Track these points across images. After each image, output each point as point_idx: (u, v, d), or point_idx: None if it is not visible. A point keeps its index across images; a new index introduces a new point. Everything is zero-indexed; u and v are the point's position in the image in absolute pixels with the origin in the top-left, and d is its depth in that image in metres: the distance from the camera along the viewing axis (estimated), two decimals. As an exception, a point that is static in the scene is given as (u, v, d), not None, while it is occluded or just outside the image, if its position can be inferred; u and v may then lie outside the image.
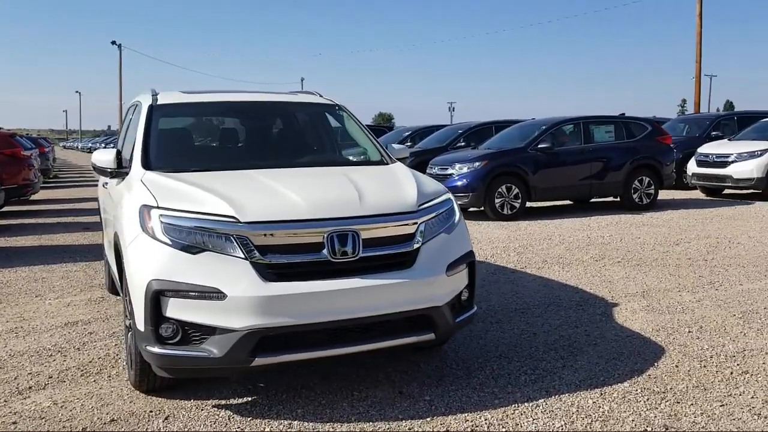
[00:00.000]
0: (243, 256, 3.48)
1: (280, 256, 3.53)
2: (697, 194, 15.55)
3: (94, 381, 4.29)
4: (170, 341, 3.52)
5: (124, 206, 4.14)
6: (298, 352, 3.52)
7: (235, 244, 3.50)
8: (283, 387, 4.04)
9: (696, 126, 17.73)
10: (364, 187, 3.97)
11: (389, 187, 4.12)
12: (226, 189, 3.82)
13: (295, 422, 3.58)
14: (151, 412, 3.77)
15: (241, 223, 3.53)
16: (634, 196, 12.60)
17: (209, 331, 3.46)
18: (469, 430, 3.46)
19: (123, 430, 3.57)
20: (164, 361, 3.54)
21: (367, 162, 4.95)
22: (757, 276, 6.86)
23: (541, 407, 3.71)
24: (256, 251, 3.49)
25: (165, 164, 4.40)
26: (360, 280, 3.58)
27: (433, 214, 3.95)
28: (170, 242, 3.54)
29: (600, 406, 3.70)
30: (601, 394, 3.88)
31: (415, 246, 3.79)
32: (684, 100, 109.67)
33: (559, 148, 12.21)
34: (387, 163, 4.88)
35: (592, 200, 13.68)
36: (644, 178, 12.62)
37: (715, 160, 14.53)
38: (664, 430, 3.42)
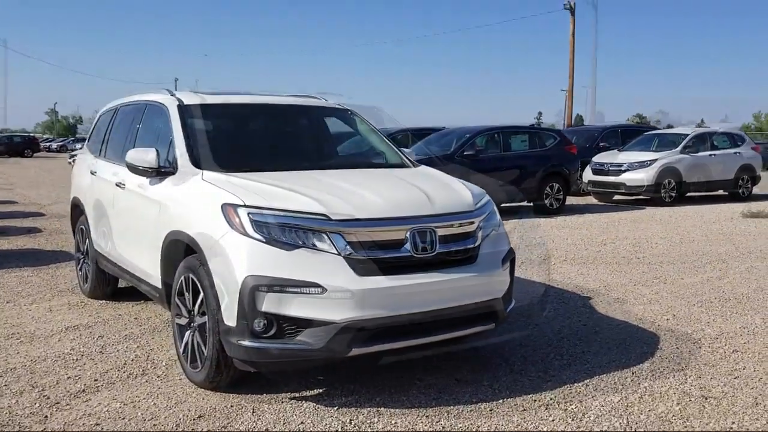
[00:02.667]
0: (336, 251, 3.67)
1: (369, 252, 3.75)
2: (590, 200, 16.94)
3: (146, 382, 4.27)
4: (264, 335, 3.64)
5: (187, 205, 4.17)
6: (389, 341, 3.76)
7: (327, 240, 3.68)
8: (349, 378, 4.23)
9: (585, 137, 19.26)
10: (424, 188, 4.27)
11: (443, 188, 4.44)
12: (304, 188, 3.98)
13: (380, 409, 3.81)
14: (232, 407, 3.85)
15: (332, 220, 3.72)
16: (546, 201, 13.58)
17: (305, 324, 3.62)
18: (543, 407, 3.85)
19: (215, 425, 3.64)
20: (257, 355, 3.65)
21: (392, 165, 5.22)
22: (692, 271, 7.78)
23: (591, 386, 4.17)
24: (348, 247, 3.69)
25: (215, 164, 4.46)
26: (439, 275, 3.87)
27: (486, 213, 4.32)
28: (263, 239, 3.67)
29: (639, 383, 4.22)
30: (633, 373, 4.40)
31: (477, 243, 4.13)
32: (540, 113, 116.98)
33: (482, 155, 12.94)
34: (411, 166, 5.19)
35: (503, 205, 14.55)
36: (554, 184, 13.64)
37: (610, 168, 15.94)
38: (703, 398, 3.98)
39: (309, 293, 3.59)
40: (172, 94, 5.20)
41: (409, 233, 3.85)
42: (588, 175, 16.35)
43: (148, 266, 4.78)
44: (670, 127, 19.13)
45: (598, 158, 16.46)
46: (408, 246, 3.83)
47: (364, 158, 5.49)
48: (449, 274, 3.91)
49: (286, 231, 3.69)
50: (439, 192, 4.30)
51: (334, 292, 3.58)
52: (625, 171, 15.63)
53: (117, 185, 5.32)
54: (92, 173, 6.11)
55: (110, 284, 6.34)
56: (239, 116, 5.31)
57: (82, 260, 6.57)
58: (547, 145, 13.88)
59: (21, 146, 51.25)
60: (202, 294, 3.95)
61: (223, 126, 5.16)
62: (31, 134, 70.39)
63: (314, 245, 3.68)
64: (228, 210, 3.80)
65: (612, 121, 23.73)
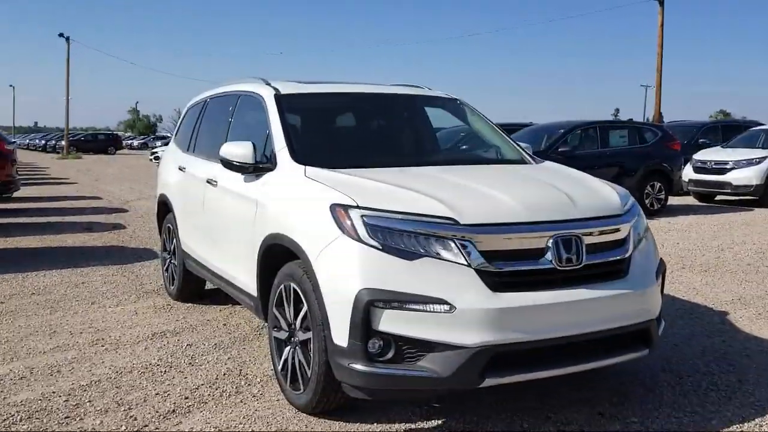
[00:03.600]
0: (466, 262, 3.10)
1: (505, 263, 3.16)
2: (689, 199, 15.77)
3: (241, 402, 3.81)
4: (380, 358, 3.10)
5: (288, 205, 3.69)
6: (528, 371, 3.15)
7: (456, 249, 3.11)
8: (471, 407, 3.66)
9: (682, 133, 18.02)
10: (561, 187, 3.65)
11: (583, 187, 3.80)
12: (423, 187, 3.43)
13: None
14: (342, 437, 3.34)
15: (461, 225, 3.15)
16: (646, 201, 12.62)
17: (429, 347, 3.06)
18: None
19: (323, 460, 3.13)
20: (372, 381, 3.12)
21: (510, 160, 4.60)
22: (836, 283, 6.84)
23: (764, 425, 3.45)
24: (481, 257, 3.11)
25: (319, 159, 3.96)
26: (586, 291, 3.25)
27: (636, 217, 3.66)
28: (380, 246, 3.13)
29: (826, 425, 3.48)
30: (812, 411, 3.65)
31: (628, 253, 3.48)
32: (617, 109, 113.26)
33: (578, 152, 12.12)
34: (532, 162, 4.57)
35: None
36: (656, 183, 12.67)
37: (713, 167, 14.75)
38: None
39: (434, 311, 3.03)
40: (268, 83, 4.75)
41: (551, 241, 3.23)
42: (689, 173, 15.21)
43: (241, 271, 4.33)
44: (759, 124, 17.68)
45: (700, 155, 15.30)
46: (549, 256, 3.22)
47: (479, 153, 4.90)
48: (598, 291, 3.27)
49: (406, 237, 3.14)
50: (580, 191, 3.66)
51: (464, 310, 3.01)
52: (730, 170, 14.41)
53: (208, 182, 4.90)
54: (180, 169, 5.74)
55: (197, 286, 5.97)
56: (341, 107, 4.81)
57: (168, 260, 6.23)
58: (647, 141, 12.91)
59: (104, 144, 53.05)
60: (305, 307, 3.45)
61: (324, 117, 4.66)
62: (114, 132, 72.85)
63: (439, 254, 3.11)
64: (338, 212, 3.28)
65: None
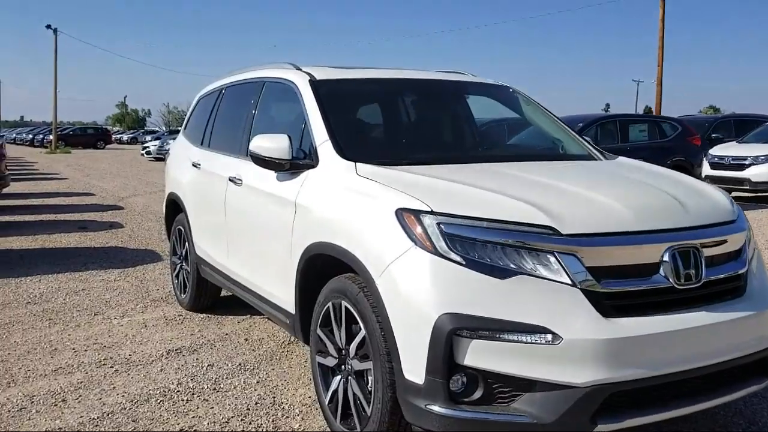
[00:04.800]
0: (569, 281, 2.54)
1: (615, 282, 2.61)
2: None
3: (282, 440, 3.25)
4: (464, 399, 2.55)
5: (338, 209, 3.12)
6: (645, 413, 2.59)
7: (557, 264, 2.56)
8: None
9: (694, 128, 17.56)
10: (666, 189, 3.10)
11: (688, 189, 3.24)
12: (508, 188, 2.87)
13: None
14: (410, 491, 2.78)
15: (563, 236, 2.59)
16: (667, 198, 12.13)
17: (526, 386, 2.51)
18: None
19: None
20: (453, 426, 2.55)
21: (577, 156, 4.05)
22: None
23: None
24: (588, 275, 2.56)
25: (370, 154, 3.40)
26: (707, 314, 2.70)
27: (747, 225, 3.13)
28: (463, 261, 2.57)
29: None
30: None
31: (746, 267, 2.94)
32: (608, 104, 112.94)
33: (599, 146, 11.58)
34: (602, 158, 4.02)
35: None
36: (676, 179, 12.16)
37: (731, 162, 14.27)
38: None
39: (534, 342, 2.47)
40: (298, 68, 4.17)
41: (666, 254, 2.68)
42: (705, 169, 14.72)
43: (274, 283, 3.77)
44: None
45: (717, 151, 14.79)
46: (664, 272, 2.67)
47: (541, 147, 4.34)
48: (719, 313, 2.73)
49: (494, 250, 2.58)
50: (686, 193, 3.11)
51: (572, 341, 2.46)
52: (749, 165, 13.92)
53: (231, 180, 4.32)
54: (195, 166, 5.15)
55: (213, 295, 5.40)
56: (385, 94, 4.23)
57: (178, 266, 5.65)
58: (668, 136, 12.41)
59: (94, 138, 52.11)
60: (363, 331, 2.89)
61: (367, 106, 4.10)
62: (103, 126, 71.81)
63: (536, 271, 2.55)
64: (407, 218, 2.71)
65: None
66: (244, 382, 3.96)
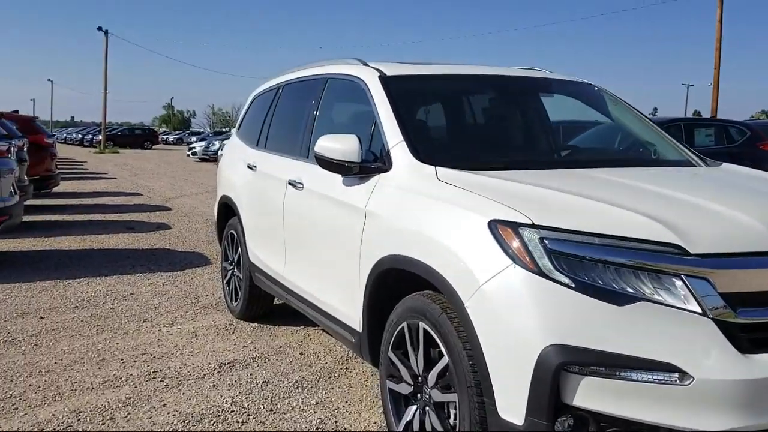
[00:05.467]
0: (700, 310, 2.16)
1: (755, 312, 2.21)
2: None
3: (348, 474, 2.92)
4: (573, 444, 2.18)
5: (417, 218, 2.79)
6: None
7: (684, 289, 2.17)
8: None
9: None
10: None
11: None
12: (618, 198, 2.50)
13: None
14: None
15: (693, 256, 2.21)
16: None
17: (646, 432, 2.14)
18: None
19: None
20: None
21: (674, 161, 3.65)
22: None
23: None
24: (722, 302, 2.17)
25: (449, 158, 3.07)
26: None
27: None
28: (572, 283, 2.20)
29: None
30: None
31: None
32: (655, 108, 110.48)
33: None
34: (702, 163, 3.61)
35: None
36: (744, 187, 11.53)
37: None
38: None
39: (658, 381, 2.10)
40: (365, 64, 3.86)
41: None
42: None
43: (337, 297, 3.45)
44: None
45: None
46: None
47: (634, 151, 3.95)
48: None
49: (608, 271, 2.21)
50: None
51: (706, 381, 2.07)
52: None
53: (290, 184, 4.02)
54: (250, 168, 4.88)
55: (266, 304, 5.12)
56: (461, 92, 3.89)
57: (230, 272, 5.39)
58: (735, 141, 11.77)
59: (141, 138, 52.93)
60: (446, 358, 2.54)
61: (442, 104, 3.76)
62: (151, 127, 72.99)
63: (658, 297, 2.17)
64: (503, 231, 2.36)
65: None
66: (302, 403, 3.65)
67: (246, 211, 4.92)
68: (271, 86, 5.26)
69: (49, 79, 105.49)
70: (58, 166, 13.77)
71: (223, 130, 67.07)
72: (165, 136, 70.52)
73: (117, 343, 4.64)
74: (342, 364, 4.28)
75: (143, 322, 5.17)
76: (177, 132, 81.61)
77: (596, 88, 4.12)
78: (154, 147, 53.06)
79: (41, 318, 5.21)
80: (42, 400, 3.64)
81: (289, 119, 4.66)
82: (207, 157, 31.33)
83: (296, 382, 3.96)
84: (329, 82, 4.13)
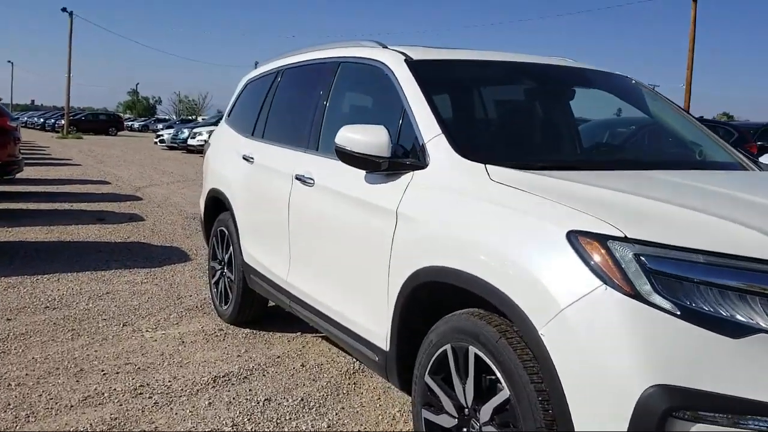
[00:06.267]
0: None
1: None
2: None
3: None
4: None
5: (467, 224, 2.41)
6: None
7: None
8: None
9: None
10: None
11: None
12: (716, 208, 2.15)
13: None
14: None
15: None
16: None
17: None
18: None
19: None
20: None
21: (729, 164, 3.32)
22: None
23: None
24: None
25: (496, 154, 2.69)
26: None
27: None
28: (677, 310, 1.84)
29: None
30: None
31: None
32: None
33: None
34: (754, 168, 3.30)
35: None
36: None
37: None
38: None
39: (782, 431, 1.75)
40: (385, 47, 3.46)
41: None
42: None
43: (359, 311, 3.05)
44: None
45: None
46: None
47: (683, 152, 3.61)
48: None
49: (717, 296, 1.86)
50: None
51: None
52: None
53: (298, 179, 3.60)
54: (246, 159, 4.44)
55: (259, 309, 4.71)
56: (498, 80, 3.52)
57: (219, 272, 4.94)
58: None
59: (105, 124, 51.59)
60: (507, 391, 2.17)
61: (482, 95, 3.38)
62: (116, 113, 71.25)
63: None
64: (587, 245, 1.99)
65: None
66: (312, 427, 3.25)
67: (240, 207, 4.49)
68: (267, 71, 4.82)
69: (9, 61, 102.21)
70: (21, 152, 13.03)
71: (190, 117, 65.79)
72: (130, 123, 68.90)
73: (95, 351, 4.18)
74: (349, 378, 3.89)
75: (123, 326, 4.70)
76: (142, 119, 79.87)
77: (633, 81, 3.78)
78: (119, 133, 51.73)
79: (8, 320, 4.71)
80: (13, 421, 3.18)
81: (292, 107, 4.24)
82: (175, 145, 30.48)
83: (301, 399, 3.56)
84: (341, 66, 3.71)
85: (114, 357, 4.09)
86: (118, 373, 3.84)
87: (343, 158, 2.93)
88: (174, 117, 77.20)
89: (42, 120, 57.39)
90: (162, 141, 32.50)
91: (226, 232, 4.74)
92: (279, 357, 4.20)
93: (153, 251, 7.35)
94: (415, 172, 2.76)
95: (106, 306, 5.14)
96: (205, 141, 25.03)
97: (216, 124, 28.63)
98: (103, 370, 3.87)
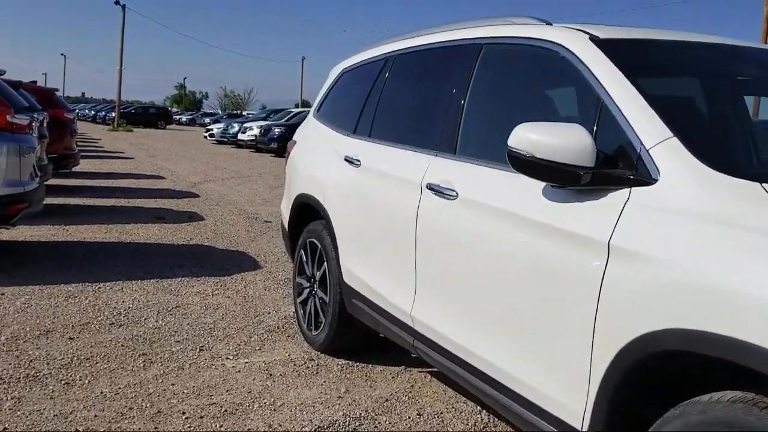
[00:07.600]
0: None
1: None
2: None
3: None
4: None
5: (748, 269, 1.65)
6: None
7: None
8: None
9: None
10: None
11: None
12: None
13: None
14: None
15: None
16: None
17: None
18: None
19: None
20: None
21: None
22: None
23: None
24: None
25: (721, 160, 1.95)
26: None
27: None
28: None
29: None
30: None
31: None
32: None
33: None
34: None
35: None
36: None
37: None
38: None
39: None
40: (549, 24, 2.73)
41: None
42: None
43: (538, 373, 2.30)
44: None
45: None
46: None
47: None
48: None
49: None
50: None
51: None
52: None
53: (430, 189, 2.89)
54: (349, 161, 3.75)
55: (359, 337, 4.01)
56: (717, 71, 2.73)
57: (307, 291, 4.27)
58: None
59: (155, 117, 51.86)
60: None
61: (704, 88, 2.61)
62: (165, 106, 71.86)
63: None
64: None
65: None
66: (455, 507, 2.53)
67: (341, 218, 3.80)
68: (371, 57, 4.12)
69: (62, 54, 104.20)
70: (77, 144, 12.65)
71: (235, 112, 65.86)
72: (178, 117, 69.38)
73: (172, 385, 3.54)
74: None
75: (200, 350, 4.06)
76: (189, 113, 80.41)
77: None
78: (167, 127, 51.94)
79: (71, 339, 4.13)
80: (83, 486, 2.54)
81: (412, 100, 3.53)
82: (225, 139, 30.20)
83: (430, 464, 2.85)
84: (485, 49, 2.98)
85: (195, 394, 3.44)
86: (202, 417, 3.19)
87: (520, 166, 2.20)
88: (220, 111, 77.64)
89: (93, 112, 58.03)
90: (212, 135, 32.28)
91: (319, 245, 4.06)
92: (387, 400, 3.50)
93: (219, 256, 6.75)
94: (634, 188, 2.02)
95: (178, 324, 4.52)
96: (256, 136, 24.83)
97: (266, 119, 28.47)
98: (184, 413, 3.22)
